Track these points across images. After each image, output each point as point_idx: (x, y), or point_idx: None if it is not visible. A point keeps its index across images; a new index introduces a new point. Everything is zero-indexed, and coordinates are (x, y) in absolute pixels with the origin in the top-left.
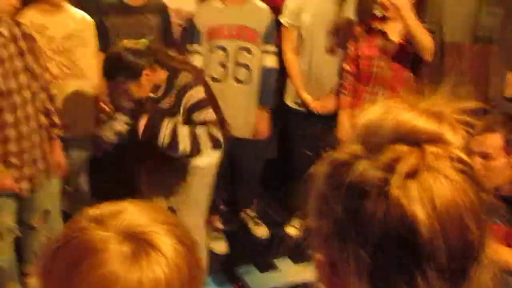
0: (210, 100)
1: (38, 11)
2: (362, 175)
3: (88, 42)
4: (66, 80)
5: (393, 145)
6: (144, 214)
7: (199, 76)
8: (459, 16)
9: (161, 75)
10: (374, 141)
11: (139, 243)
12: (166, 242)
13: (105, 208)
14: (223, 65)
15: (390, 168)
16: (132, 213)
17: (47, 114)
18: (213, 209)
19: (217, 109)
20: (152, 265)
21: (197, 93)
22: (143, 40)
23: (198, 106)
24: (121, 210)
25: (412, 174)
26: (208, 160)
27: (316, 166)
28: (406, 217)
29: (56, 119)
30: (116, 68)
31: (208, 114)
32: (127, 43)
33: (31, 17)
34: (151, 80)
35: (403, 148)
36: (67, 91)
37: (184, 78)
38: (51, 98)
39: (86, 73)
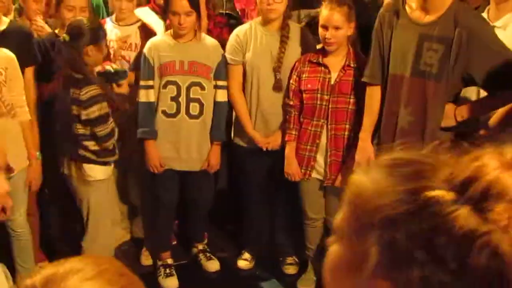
0: None
1: None
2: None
3: (13, 78)
4: None
5: None
6: (88, 280)
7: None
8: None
9: None
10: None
11: None
12: None
13: (48, 272)
14: (176, 100)
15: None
16: (76, 280)
17: None
18: (164, 245)
19: None
20: None
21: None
22: None
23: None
24: (63, 277)
25: None
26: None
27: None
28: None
29: None
30: None
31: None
32: None
33: None
34: None
35: None
36: None
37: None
38: None
39: (14, 109)
